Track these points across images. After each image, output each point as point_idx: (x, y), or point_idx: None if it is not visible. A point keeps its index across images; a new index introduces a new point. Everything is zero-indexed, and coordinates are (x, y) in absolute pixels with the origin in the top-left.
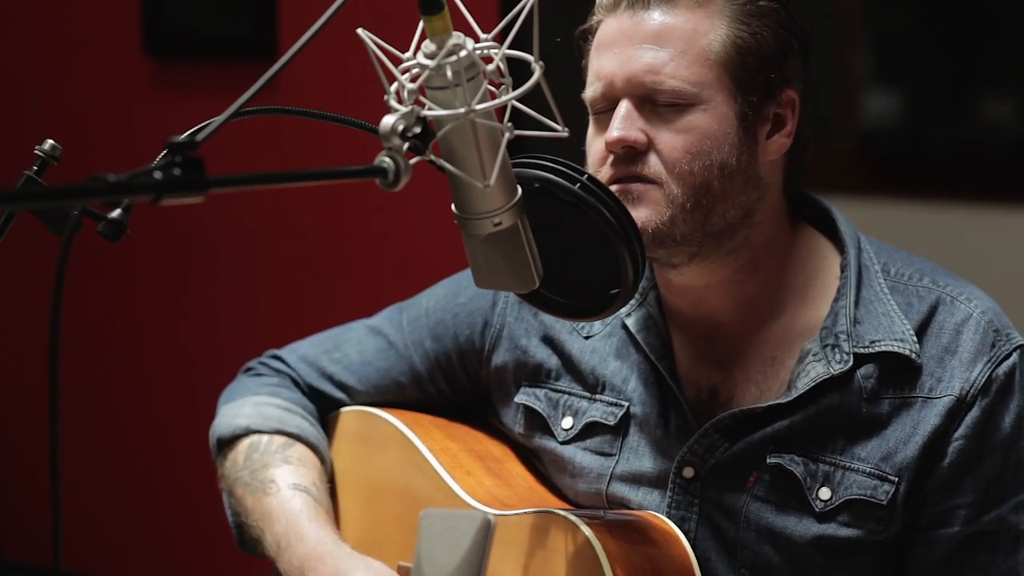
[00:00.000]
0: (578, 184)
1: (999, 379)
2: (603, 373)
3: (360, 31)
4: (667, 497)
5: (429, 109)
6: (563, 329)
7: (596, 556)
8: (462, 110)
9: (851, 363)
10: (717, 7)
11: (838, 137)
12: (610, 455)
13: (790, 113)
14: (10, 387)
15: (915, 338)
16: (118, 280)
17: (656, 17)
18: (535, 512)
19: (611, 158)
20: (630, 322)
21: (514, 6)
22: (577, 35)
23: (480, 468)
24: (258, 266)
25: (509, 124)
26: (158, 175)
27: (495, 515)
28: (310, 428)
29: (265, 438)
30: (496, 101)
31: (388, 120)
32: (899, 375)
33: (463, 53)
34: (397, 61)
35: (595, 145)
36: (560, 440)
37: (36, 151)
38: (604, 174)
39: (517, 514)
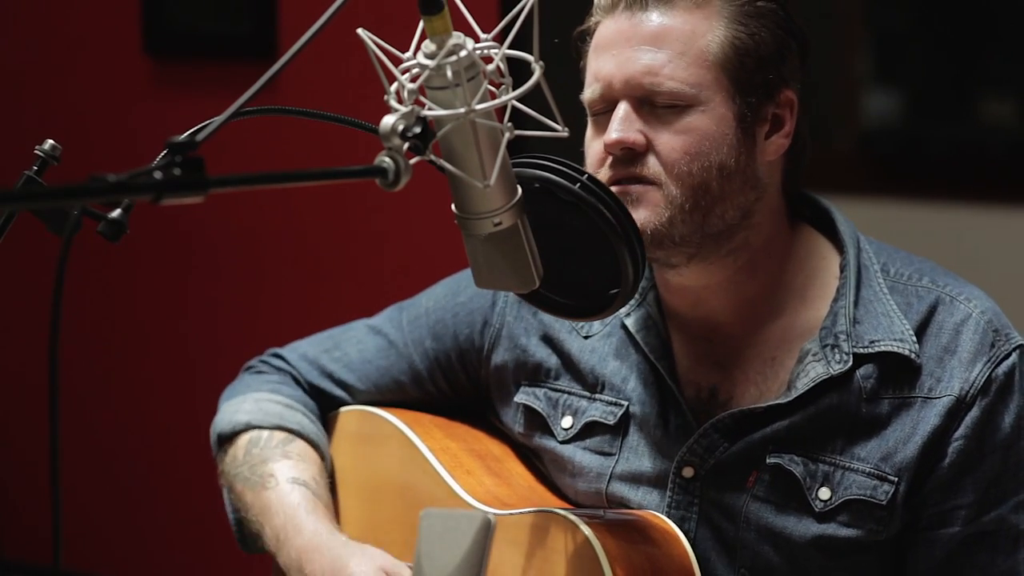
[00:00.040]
0: (578, 184)
1: (999, 379)
2: (602, 373)
3: (360, 31)
4: (667, 497)
5: (429, 109)
6: (562, 328)
7: (596, 555)
8: (462, 110)
9: (851, 363)
10: (715, 8)
11: (838, 137)
12: (610, 455)
13: (788, 113)
14: (10, 387)
15: (915, 338)
16: (118, 280)
17: (654, 18)
18: (535, 512)
19: (610, 159)
20: (629, 322)
21: (514, 6)
22: (575, 36)
23: (480, 467)
24: (258, 266)
25: (509, 124)
26: (158, 175)
27: (495, 515)
28: (310, 425)
29: (265, 433)
30: (496, 101)
31: (388, 120)
32: (899, 375)
33: (463, 53)
34: (397, 61)
35: (593, 146)
36: (560, 439)
37: (36, 151)
38: (603, 175)
39: (517, 513)
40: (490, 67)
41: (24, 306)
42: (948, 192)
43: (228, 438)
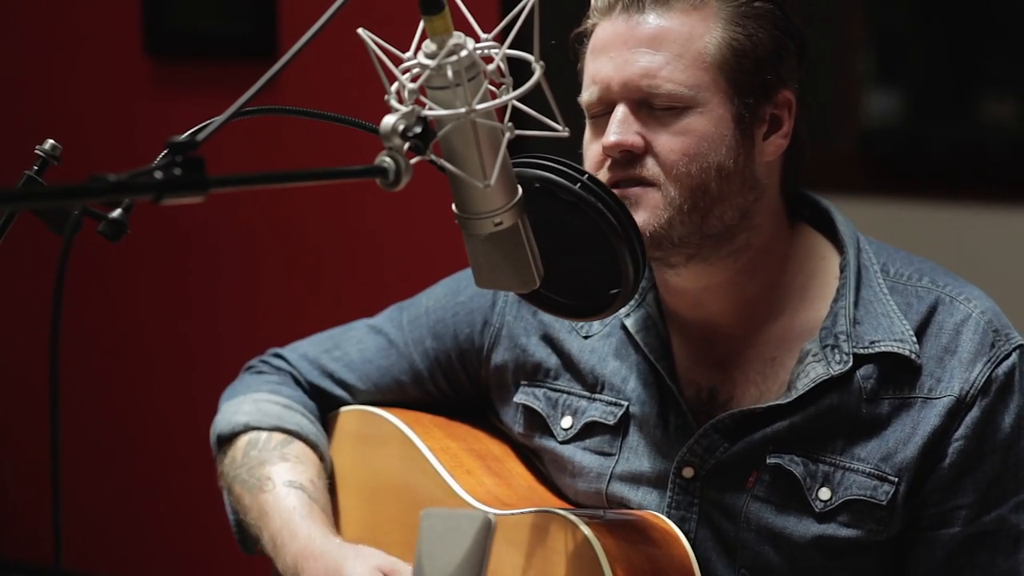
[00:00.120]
0: (579, 184)
1: (999, 379)
2: (602, 373)
3: (360, 31)
4: (667, 497)
5: (430, 109)
6: (562, 328)
7: (596, 555)
8: (463, 110)
9: (851, 363)
10: (712, 9)
11: (838, 137)
12: (610, 455)
13: (786, 114)
14: (10, 387)
15: (915, 338)
16: (118, 280)
17: (651, 20)
18: (535, 512)
19: (608, 162)
20: (629, 322)
21: (514, 6)
22: (572, 38)
23: (480, 467)
24: (259, 266)
25: (509, 124)
26: (158, 175)
27: (495, 515)
28: (309, 426)
29: (264, 435)
30: (496, 101)
31: (388, 120)
32: (899, 375)
33: (464, 53)
34: (397, 61)
35: (592, 148)
36: (560, 440)
37: (36, 151)
38: (601, 178)
39: (517, 514)
40: (490, 67)
41: (24, 306)
42: (948, 192)
43: (227, 439)
